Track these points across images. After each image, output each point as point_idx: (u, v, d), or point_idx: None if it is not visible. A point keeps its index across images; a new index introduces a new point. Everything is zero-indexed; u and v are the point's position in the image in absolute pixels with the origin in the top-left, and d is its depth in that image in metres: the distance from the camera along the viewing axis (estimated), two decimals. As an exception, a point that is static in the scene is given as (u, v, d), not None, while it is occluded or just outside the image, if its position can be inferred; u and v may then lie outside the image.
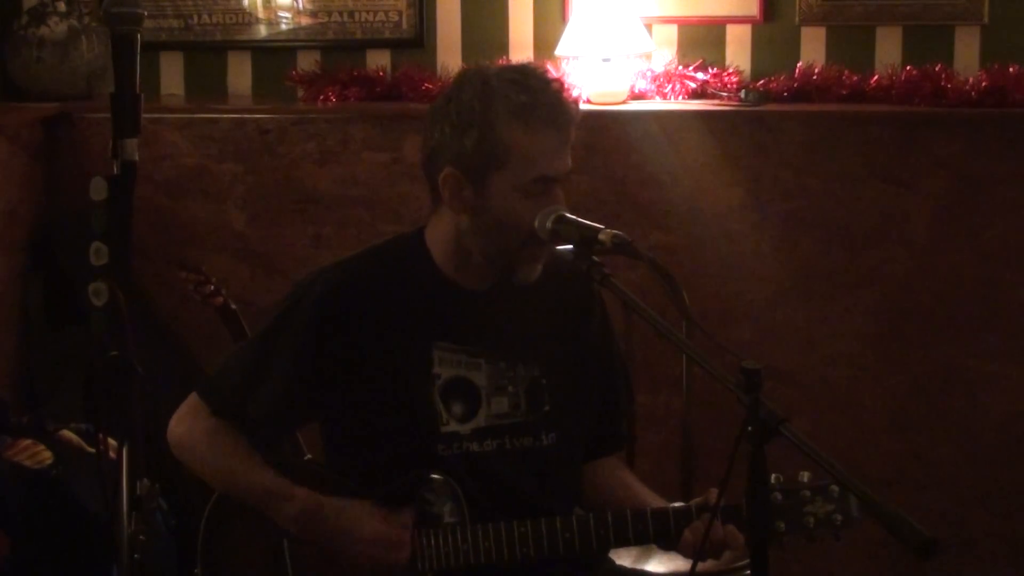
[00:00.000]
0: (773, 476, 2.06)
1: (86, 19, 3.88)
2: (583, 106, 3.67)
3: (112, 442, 1.67)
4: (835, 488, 2.06)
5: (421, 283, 2.22)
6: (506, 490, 2.21)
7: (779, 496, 2.06)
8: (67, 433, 3.14)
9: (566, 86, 2.22)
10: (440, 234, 2.22)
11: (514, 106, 2.10)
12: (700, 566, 2.04)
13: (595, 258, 1.97)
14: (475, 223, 2.16)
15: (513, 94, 2.11)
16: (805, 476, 2.07)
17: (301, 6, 3.95)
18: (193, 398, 2.29)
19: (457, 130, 2.13)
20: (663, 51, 3.84)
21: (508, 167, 2.10)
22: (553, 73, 2.24)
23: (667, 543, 2.15)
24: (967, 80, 3.66)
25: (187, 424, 2.28)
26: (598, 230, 1.97)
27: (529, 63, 2.26)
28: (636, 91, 3.78)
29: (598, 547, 2.14)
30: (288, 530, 2.19)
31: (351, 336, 2.19)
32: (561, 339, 2.29)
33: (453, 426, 2.20)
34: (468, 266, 2.21)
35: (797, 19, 3.82)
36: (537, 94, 2.12)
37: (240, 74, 4.02)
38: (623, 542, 2.15)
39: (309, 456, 3.10)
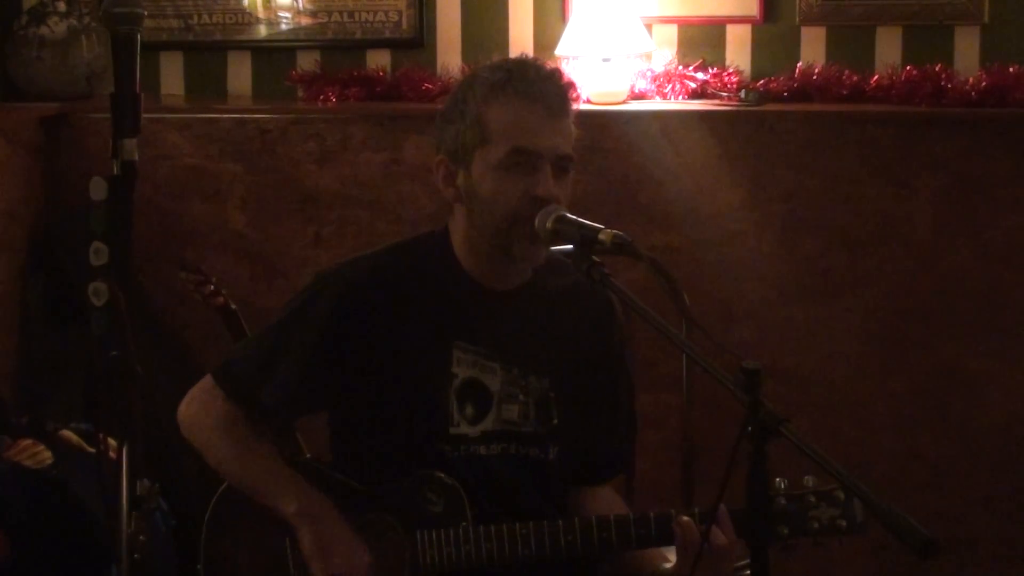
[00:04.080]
0: (777, 480, 2.06)
1: (86, 19, 3.88)
2: (583, 106, 3.67)
3: (112, 442, 1.67)
4: (840, 494, 2.05)
5: (444, 281, 2.23)
6: (510, 495, 2.21)
7: (783, 501, 2.06)
8: (67, 433, 3.14)
9: (561, 72, 2.23)
10: (456, 229, 2.24)
11: (490, 84, 2.15)
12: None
13: (595, 258, 1.97)
14: (469, 208, 2.17)
15: (490, 74, 2.17)
16: (810, 481, 2.07)
17: (301, 6, 3.95)
18: (207, 381, 2.30)
19: (446, 120, 2.19)
20: (663, 51, 3.84)
21: (487, 144, 2.13)
22: (551, 65, 2.24)
23: (668, 546, 2.15)
24: (967, 80, 3.66)
25: (199, 406, 2.29)
26: (598, 230, 1.96)
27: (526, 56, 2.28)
28: (636, 91, 3.78)
29: (600, 549, 2.14)
30: (286, 521, 2.18)
31: (371, 329, 2.19)
32: (576, 354, 2.28)
33: (463, 428, 2.20)
34: (484, 262, 2.21)
35: (797, 19, 3.82)
36: (514, 71, 2.15)
37: (240, 74, 4.02)
38: (625, 545, 2.14)
39: (309, 456, 3.10)
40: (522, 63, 2.19)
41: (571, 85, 2.26)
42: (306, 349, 2.22)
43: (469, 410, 2.21)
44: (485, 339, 2.22)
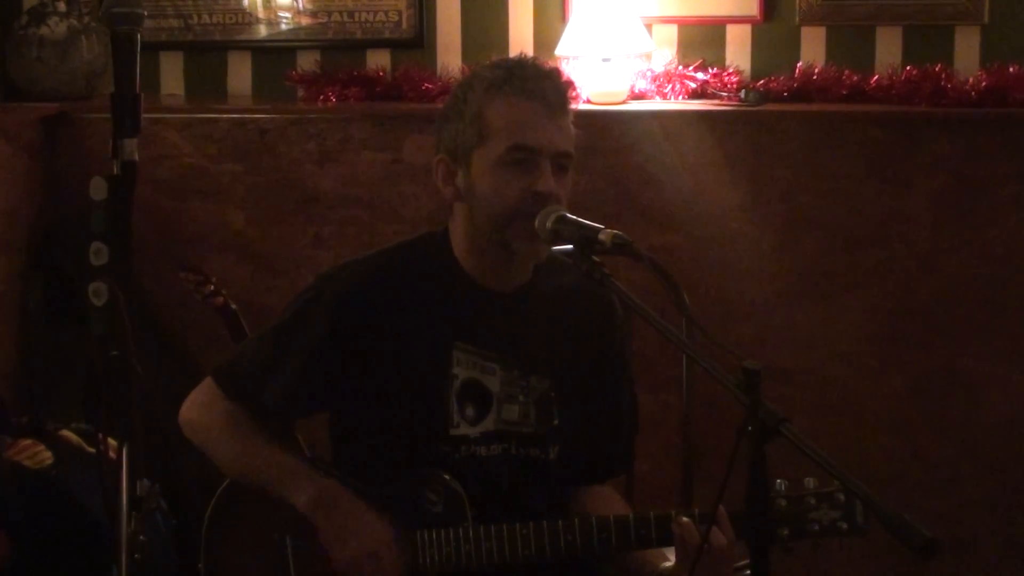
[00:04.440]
0: (778, 481, 2.06)
1: (86, 19, 3.88)
2: (583, 106, 3.67)
3: (112, 442, 1.67)
4: (840, 495, 2.05)
5: (444, 282, 2.23)
6: (510, 496, 2.21)
7: (783, 502, 2.06)
8: (67, 433, 3.14)
9: (559, 71, 2.24)
10: (456, 230, 2.24)
11: (489, 82, 2.15)
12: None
13: (595, 258, 1.97)
14: (470, 207, 2.17)
15: (489, 72, 2.18)
16: (811, 482, 2.07)
17: (301, 6, 3.95)
18: (208, 382, 2.31)
19: (445, 120, 2.20)
20: (663, 51, 3.84)
21: (487, 141, 2.13)
22: (550, 64, 2.25)
23: (669, 547, 2.15)
24: (967, 80, 3.66)
25: (202, 406, 2.30)
26: (598, 230, 1.97)
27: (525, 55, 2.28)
28: (636, 91, 3.78)
29: (599, 550, 2.14)
30: (298, 509, 2.18)
31: (371, 330, 2.19)
32: (577, 354, 2.28)
33: (463, 429, 2.20)
34: (485, 262, 2.21)
35: (797, 19, 3.82)
36: (513, 69, 2.16)
37: (240, 74, 4.02)
38: (624, 546, 2.14)
39: (309, 456, 3.10)
40: (521, 62, 2.20)
41: (570, 84, 2.27)
42: (306, 351, 2.22)
43: (469, 411, 2.21)
44: (485, 340, 2.22)
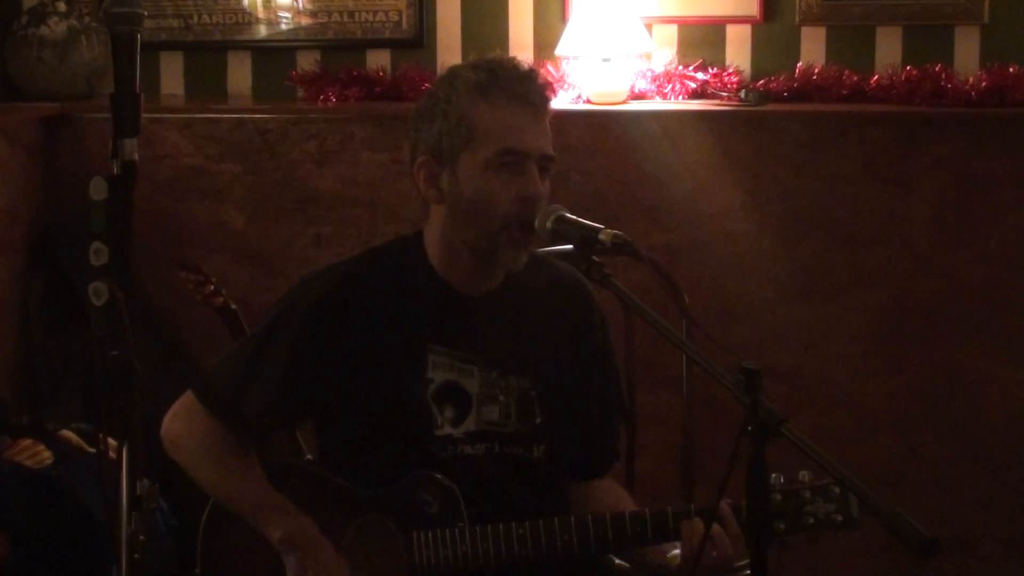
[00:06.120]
0: (773, 476, 2.06)
1: (86, 19, 3.88)
2: (583, 106, 3.68)
3: (112, 442, 1.67)
4: (835, 488, 2.06)
5: (417, 285, 2.22)
6: (501, 494, 2.21)
7: (779, 496, 2.06)
8: (67, 433, 3.15)
9: (539, 72, 2.23)
10: (432, 233, 2.23)
11: (474, 83, 2.14)
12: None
13: (595, 258, 1.97)
14: (453, 210, 2.16)
15: (473, 73, 2.16)
16: (805, 476, 2.07)
17: (301, 6, 3.95)
18: (188, 396, 2.29)
19: (426, 119, 2.18)
20: (663, 51, 3.83)
21: (474, 144, 2.12)
22: (528, 64, 2.24)
23: (666, 542, 2.15)
24: (967, 80, 3.66)
25: (182, 424, 2.28)
26: (598, 230, 1.96)
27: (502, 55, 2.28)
28: (636, 91, 3.78)
29: (596, 548, 2.14)
30: (273, 543, 2.18)
31: (346, 337, 2.19)
32: (557, 352, 2.28)
33: (447, 429, 2.20)
34: (460, 266, 2.20)
35: (797, 19, 3.82)
36: (497, 70, 2.15)
37: (240, 74, 4.02)
38: (621, 543, 2.15)
39: (309, 456, 3.10)
40: (501, 62, 2.19)
41: (548, 85, 2.27)
42: (283, 362, 2.21)
43: (449, 413, 2.20)
44: (461, 342, 2.21)
